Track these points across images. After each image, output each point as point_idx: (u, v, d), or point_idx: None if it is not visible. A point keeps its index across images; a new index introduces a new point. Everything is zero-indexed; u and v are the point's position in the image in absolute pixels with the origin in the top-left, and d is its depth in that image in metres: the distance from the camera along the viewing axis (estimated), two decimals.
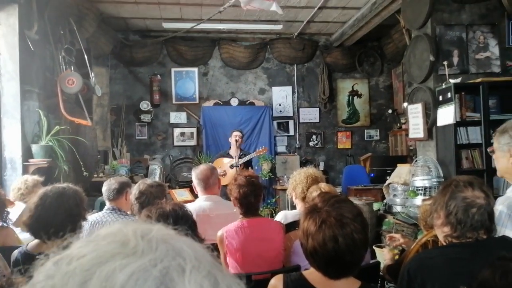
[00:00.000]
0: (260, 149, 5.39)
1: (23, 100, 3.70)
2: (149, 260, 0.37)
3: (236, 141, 5.15)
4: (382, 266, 2.17)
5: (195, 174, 2.84)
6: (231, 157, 5.20)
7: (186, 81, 7.13)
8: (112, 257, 0.37)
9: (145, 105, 6.87)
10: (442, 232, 1.44)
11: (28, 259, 1.77)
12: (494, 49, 4.36)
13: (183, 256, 0.39)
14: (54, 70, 4.31)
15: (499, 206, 1.68)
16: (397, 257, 2.25)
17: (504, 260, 0.85)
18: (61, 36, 4.39)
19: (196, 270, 0.38)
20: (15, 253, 1.82)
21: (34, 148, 3.71)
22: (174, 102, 7.09)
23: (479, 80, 4.02)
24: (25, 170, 3.59)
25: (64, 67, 4.22)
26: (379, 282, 2.15)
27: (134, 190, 2.38)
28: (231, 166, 4.99)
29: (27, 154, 3.67)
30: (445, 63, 4.14)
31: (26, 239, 2.38)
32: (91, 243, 0.40)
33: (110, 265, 0.36)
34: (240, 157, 5.04)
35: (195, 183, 2.85)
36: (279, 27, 6.52)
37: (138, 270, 0.36)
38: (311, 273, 1.33)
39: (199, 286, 0.37)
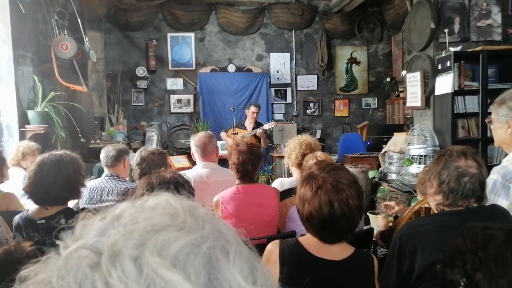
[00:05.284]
0: (270, 123, 5.46)
1: (17, 65, 3.63)
2: (198, 237, 0.38)
3: (254, 116, 5.37)
4: (375, 232, 2.23)
5: (193, 141, 2.85)
6: (245, 128, 5.39)
7: (182, 46, 7.00)
8: (164, 228, 0.38)
9: (141, 71, 6.77)
10: (434, 201, 1.48)
11: (30, 224, 1.80)
12: (496, 16, 4.28)
13: (227, 238, 0.40)
14: (47, 34, 4.20)
15: (494, 175, 1.70)
16: (390, 224, 2.31)
17: (473, 228, 0.93)
18: None
19: (239, 255, 0.39)
20: (16, 218, 1.85)
21: (30, 114, 3.68)
22: (170, 68, 6.99)
23: (479, 48, 3.97)
24: (22, 136, 3.59)
25: (57, 31, 4.11)
26: (372, 247, 2.22)
27: (136, 156, 2.41)
28: (242, 137, 5.10)
29: (23, 120, 3.65)
30: (446, 30, 4.07)
31: (27, 204, 2.42)
32: (142, 212, 0.41)
33: (165, 235, 0.37)
34: (252, 129, 5.28)
35: (193, 150, 2.87)
36: None
37: (188, 244, 0.37)
38: (306, 239, 1.37)
39: (240, 271, 0.38)
